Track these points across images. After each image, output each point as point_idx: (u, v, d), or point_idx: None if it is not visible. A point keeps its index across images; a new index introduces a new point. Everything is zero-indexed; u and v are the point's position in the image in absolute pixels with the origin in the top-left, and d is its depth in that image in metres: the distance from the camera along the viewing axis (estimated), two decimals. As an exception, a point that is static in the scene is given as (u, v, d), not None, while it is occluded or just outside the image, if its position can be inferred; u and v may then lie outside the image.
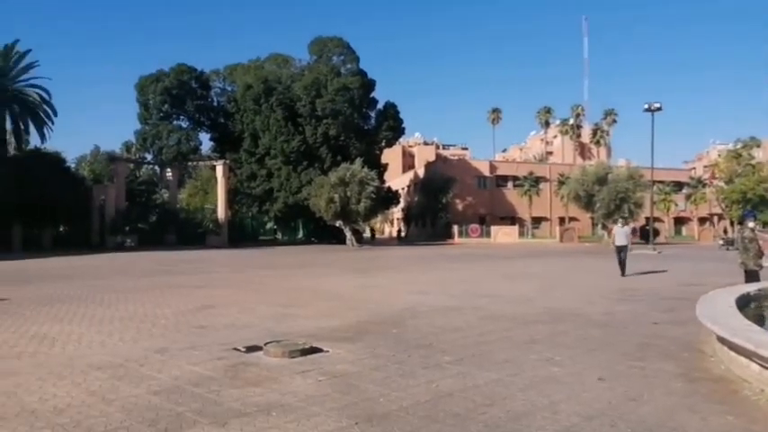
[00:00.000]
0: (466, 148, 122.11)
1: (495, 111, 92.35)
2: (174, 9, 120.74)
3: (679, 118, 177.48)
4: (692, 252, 34.77)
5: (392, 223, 75.77)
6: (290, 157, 45.34)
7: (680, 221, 69.38)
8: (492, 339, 7.51)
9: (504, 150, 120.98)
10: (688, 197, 66.30)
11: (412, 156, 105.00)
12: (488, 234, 53.08)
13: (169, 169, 51.55)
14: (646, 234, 42.15)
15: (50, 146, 50.21)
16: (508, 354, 6.64)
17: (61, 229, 40.88)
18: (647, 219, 44.01)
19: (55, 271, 20.48)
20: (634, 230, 33.63)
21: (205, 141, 53.23)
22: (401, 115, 50.83)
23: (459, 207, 59.76)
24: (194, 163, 53.27)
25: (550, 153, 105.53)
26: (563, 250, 35.87)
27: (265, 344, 6.81)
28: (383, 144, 51.67)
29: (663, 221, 62.11)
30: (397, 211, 66.00)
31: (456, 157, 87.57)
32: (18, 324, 8.74)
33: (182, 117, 49.61)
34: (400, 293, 12.91)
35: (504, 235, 52.54)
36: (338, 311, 10.03)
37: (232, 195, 47.45)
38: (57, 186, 35.37)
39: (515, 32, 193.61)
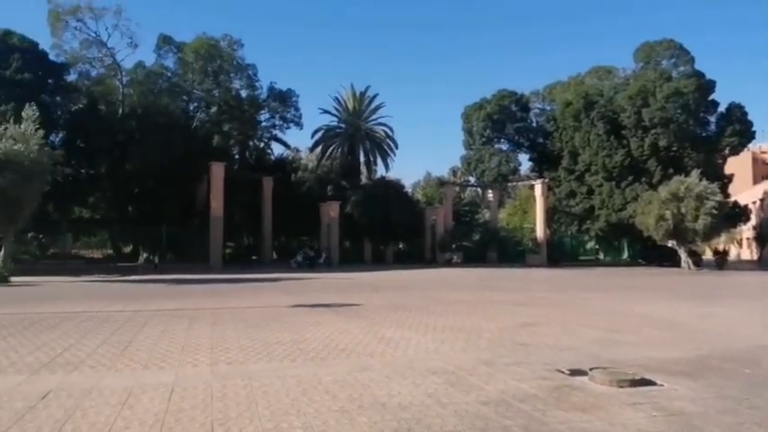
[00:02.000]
0: None
1: None
2: (493, 36, 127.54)
3: None
4: None
5: (740, 244, 64.57)
6: (613, 173, 42.83)
7: None
8: None
9: None
10: None
11: (766, 164, 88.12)
12: None
13: (490, 190, 54.16)
14: None
15: (392, 174, 58.20)
16: None
17: (400, 246, 46.60)
18: None
19: (396, 282, 23.47)
20: None
21: (524, 162, 54.49)
22: (750, 117, 43.32)
23: (838, 224, 47.40)
24: (513, 183, 54.79)
25: None
26: None
27: (590, 369, 6.51)
28: (727, 152, 44.61)
29: None
30: (746, 230, 56.02)
31: (831, 162, 70.18)
32: (370, 327, 10.26)
33: (502, 140, 51.66)
34: (754, 327, 10.88)
35: None
36: (673, 342, 8.98)
37: (550, 214, 47.15)
38: (397, 209, 40.80)
39: None
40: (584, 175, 45.10)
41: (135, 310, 12.89)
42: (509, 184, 54.06)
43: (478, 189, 60.27)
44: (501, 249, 45.81)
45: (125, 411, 4.99)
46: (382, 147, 55.06)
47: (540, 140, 50.65)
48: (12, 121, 23.74)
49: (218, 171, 36.27)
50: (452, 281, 24.61)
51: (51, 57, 37.01)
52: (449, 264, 41.10)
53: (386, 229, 40.62)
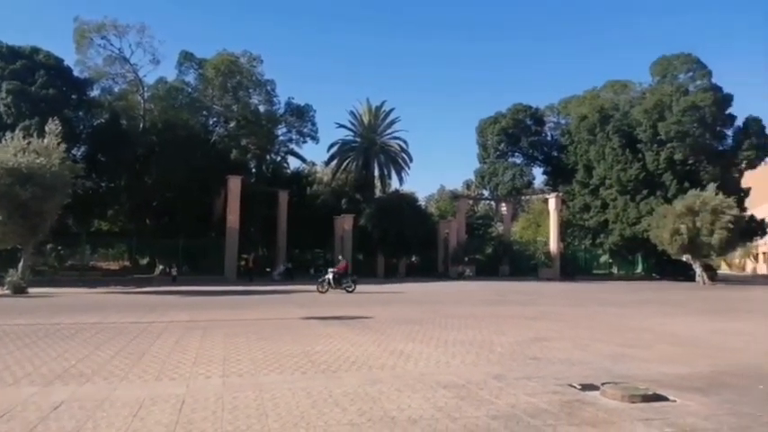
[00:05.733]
0: None
1: None
2: (508, 50, 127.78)
3: None
4: None
5: (756, 258, 63.66)
6: (628, 187, 42.55)
7: None
8: None
9: None
10: None
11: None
12: None
13: (504, 204, 54.04)
14: None
15: (406, 187, 58.22)
16: None
17: (413, 259, 46.47)
18: None
19: (408, 295, 23.44)
20: None
21: (538, 175, 54.37)
22: (768, 130, 42.94)
23: None
24: (527, 197, 54.61)
25: None
26: None
27: (602, 384, 6.50)
28: (743, 166, 44.14)
29: None
30: (762, 244, 55.26)
31: None
32: (381, 340, 10.29)
33: (516, 154, 51.62)
34: (771, 344, 10.73)
35: None
36: (686, 357, 8.91)
37: (564, 228, 46.86)
38: (411, 222, 40.75)
39: None
40: (599, 188, 44.87)
41: (149, 321, 13.04)
42: (523, 197, 53.87)
43: (492, 202, 60.13)
44: (514, 263, 45.54)
45: (136, 423, 5.07)
46: (397, 160, 55.30)
47: (555, 154, 50.53)
48: (35, 135, 24.26)
49: (234, 184, 36.62)
50: (464, 294, 24.52)
51: (75, 73, 37.86)
52: (461, 277, 40.91)
53: (399, 242, 40.55)
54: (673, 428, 5.04)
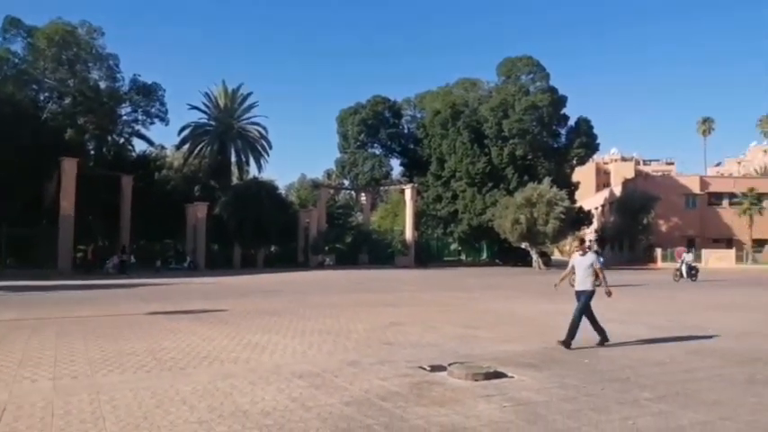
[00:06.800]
0: (671, 163, 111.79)
1: (707, 120, 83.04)
2: (370, 43, 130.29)
3: None
4: None
5: (584, 245, 71.46)
6: (475, 179, 45.47)
7: None
8: (700, 377, 6.67)
9: (718, 164, 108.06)
10: None
11: (607, 173, 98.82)
12: (698, 258, 47.33)
13: (363, 194, 55.05)
14: None
15: (266, 175, 56.82)
16: (720, 394, 5.84)
17: (272, 249, 45.61)
18: None
19: (266, 286, 22.99)
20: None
21: (396, 167, 56.04)
22: (595, 131, 48.31)
23: (663, 228, 54.36)
24: (385, 187, 56.12)
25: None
26: (796, 279, 30.49)
27: (449, 365, 6.85)
28: (574, 162, 49.36)
29: None
30: (589, 233, 62.22)
31: (659, 173, 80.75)
32: (235, 333, 9.94)
33: (375, 145, 52.76)
34: (593, 321, 12.08)
35: (717, 260, 46.46)
36: (524, 336, 9.74)
37: (419, 217, 48.89)
38: (270, 210, 39.76)
39: (728, 27, 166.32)
40: (450, 180, 47.37)
41: (-37, 322, 11.38)
42: (381, 187, 55.25)
43: (352, 192, 60.96)
44: (372, 251, 46.63)
45: (-58, 438, 4.39)
46: (255, 147, 53.67)
47: (411, 146, 52.42)
48: None
49: (69, 167, 33.16)
50: (323, 283, 24.62)
51: None
52: (321, 266, 41.03)
53: (257, 232, 39.43)
54: (510, 403, 5.45)
